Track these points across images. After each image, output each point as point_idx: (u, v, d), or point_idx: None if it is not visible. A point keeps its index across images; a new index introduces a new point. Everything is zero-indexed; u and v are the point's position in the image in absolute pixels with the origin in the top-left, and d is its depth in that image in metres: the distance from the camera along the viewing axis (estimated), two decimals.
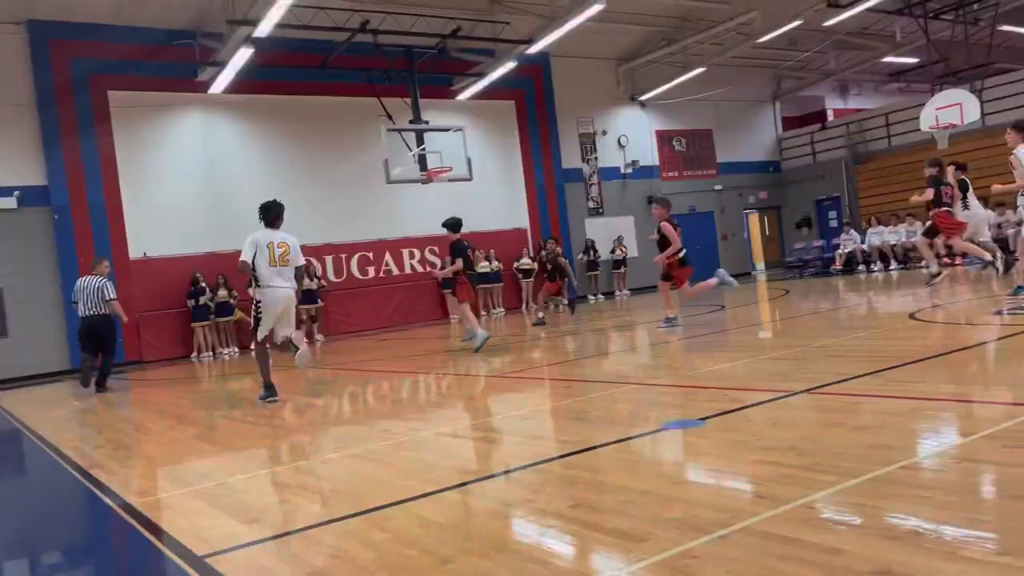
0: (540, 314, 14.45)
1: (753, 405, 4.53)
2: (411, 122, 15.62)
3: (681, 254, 9.87)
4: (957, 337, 6.57)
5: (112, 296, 10.82)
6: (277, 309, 7.42)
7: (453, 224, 10.56)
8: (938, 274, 11.15)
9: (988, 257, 10.11)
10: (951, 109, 17.43)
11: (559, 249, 15.43)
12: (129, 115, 16.10)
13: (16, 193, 14.93)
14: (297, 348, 7.46)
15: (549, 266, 14.84)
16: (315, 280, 16.92)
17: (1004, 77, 20.31)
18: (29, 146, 15.18)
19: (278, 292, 7.39)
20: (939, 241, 11.46)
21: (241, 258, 7.32)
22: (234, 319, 15.87)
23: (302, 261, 7.69)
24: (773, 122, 26.36)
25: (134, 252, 15.96)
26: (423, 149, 15.29)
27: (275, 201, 7.76)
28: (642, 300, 18.88)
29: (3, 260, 14.78)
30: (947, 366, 5.12)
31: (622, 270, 21.55)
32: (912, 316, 8.08)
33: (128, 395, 10.31)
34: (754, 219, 26.07)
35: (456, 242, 10.38)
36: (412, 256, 19.06)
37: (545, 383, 6.83)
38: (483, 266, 18.68)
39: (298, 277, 7.72)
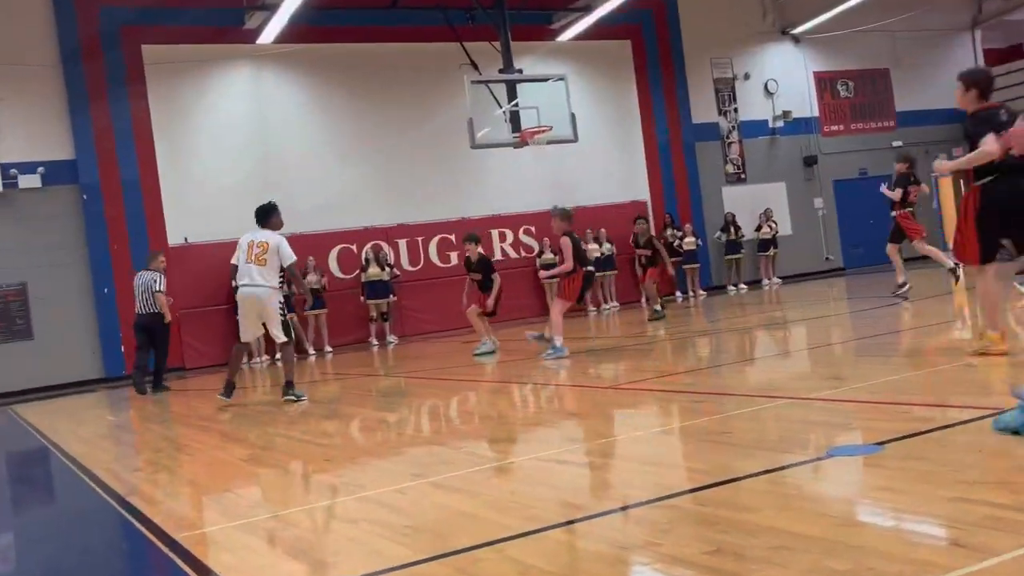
0: (657, 306, 14.42)
1: (948, 426, 4.36)
2: (501, 71, 15.69)
3: (580, 270, 10.24)
4: None
5: (160, 288, 12.28)
6: (245, 307, 9.09)
7: (566, 214, 10.70)
8: (904, 284, 12.12)
9: (950, 264, 11.24)
10: None
11: (648, 227, 15.28)
12: (166, 73, 16.86)
13: (40, 170, 15.87)
14: (298, 397, 9.03)
15: (648, 250, 14.85)
16: (387, 269, 17.30)
17: None
18: (54, 114, 16.12)
19: (243, 290, 9.01)
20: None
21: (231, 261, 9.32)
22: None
23: (290, 259, 9.02)
24: (972, 56, 25.13)
25: (173, 237, 16.73)
26: (516, 105, 15.34)
27: (268, 203, 9.55)
28: (797, 290, 18.41)
29: (25, 249, 15.73)
30: None
31: (771, 252, 21.14)
32: None
33: (168, 408, 10.82)
34: (946, 183, 24.97)
35: (568, 235, 10.52)
36: (503, 238, 19.21)
37: (671, 397, 6.76)
38: (591, 249, 18.61)
39: (291, 278, 9.35)
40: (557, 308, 10.48)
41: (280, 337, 9.16)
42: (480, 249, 12.00)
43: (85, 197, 16.18)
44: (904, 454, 4.00)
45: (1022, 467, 3.59)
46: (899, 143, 23.54)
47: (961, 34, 24.93)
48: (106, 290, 16.06)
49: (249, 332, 9.36)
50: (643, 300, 19.56)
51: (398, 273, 17.69)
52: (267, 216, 9.34)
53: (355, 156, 18.22)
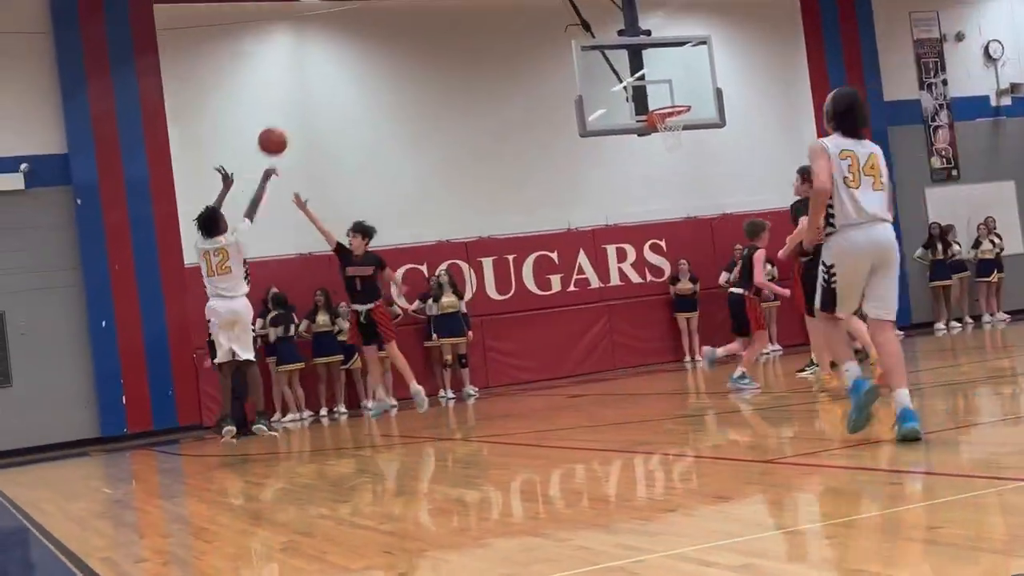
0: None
1: None
2: (621, 33, 15.72)
3: None
4: None
5: None
6: (219, 324, 10.77)
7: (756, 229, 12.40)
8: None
9: None
10: None
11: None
12: (184, 42, 17.43)
13: (23, 167, 16.51)
14: (263, 428, 10.79)
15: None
16: (456, 296, 17.26)
17: None
18: (41, 96, 16.78)
19: (216, 305, 10.64)
20: None
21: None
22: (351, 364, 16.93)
23: (246, 253, 11.03)
24: None
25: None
26: (642, 78, 15.34)
27: (206, 208, 11.08)
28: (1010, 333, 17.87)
29: (2, 269, 16.30)
30: None
31: (993, 277, 20.57)
32: None
33: (181, 479, 11.07)
34: None
35: (751, 249, 12.21)
36: (622, 256, 19.21)
37: (856, 475, 6.61)
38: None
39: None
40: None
41: (249, 355, 10.92)
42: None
43: (79, 201, 16.72)
44: None
45: None
46: None
47: None
48: (104, 323, 16.56)
49: (221, 352, 10.99)
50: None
51: (466, 313, 17.58)
52: (215, 225, 11.14)
53: (425, 148, 18.45)
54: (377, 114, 18.48)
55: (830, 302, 7.31)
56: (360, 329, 12.61)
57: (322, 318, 16.76)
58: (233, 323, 10.98)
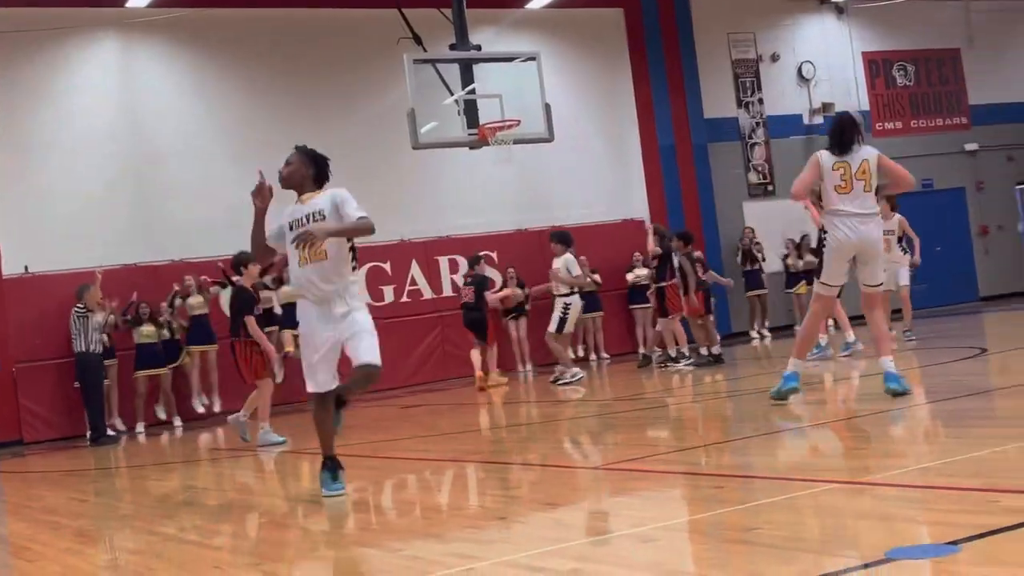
0: (684, 348, 15.18)
1: None
2: (452, 47, 15.77)
3: None
4: None
5: None
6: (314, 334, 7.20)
7: (560, 237, 12.84)
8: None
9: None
10: None
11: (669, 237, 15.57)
12: (5, 48, 16.76)
13: None
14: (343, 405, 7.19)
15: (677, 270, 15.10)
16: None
17: None
18: None
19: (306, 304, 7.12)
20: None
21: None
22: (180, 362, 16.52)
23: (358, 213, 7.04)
24: None
25: (9, 266, 16.53)
26: (472, 92, 15.42)
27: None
28: (840, 338, 18.50)
29: None
30: None
31: (801, 289, 21.11)
32: None
33: (1, 497, 10.62)
34: None
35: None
36: (455, 267, 19.24)
37: (681, 480, 6.74)
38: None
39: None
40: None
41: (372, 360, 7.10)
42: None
43: None
44: (987, 556, 4.01)
45: None
46: (975, 146, 23.97)
47: None
48: None
49: (309, 373, 7.30)
50: (642, 347, 19.66)
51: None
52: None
53: (256, 160, 17.87)
54: (207, 127, 18.14)
55: (820, 267, 9.01)
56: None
57: (147, 328, 16.31)
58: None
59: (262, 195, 7.42)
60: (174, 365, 16.62)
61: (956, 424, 7.68)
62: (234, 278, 11.77)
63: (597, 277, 19.41)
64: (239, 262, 11.54)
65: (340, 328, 6.97)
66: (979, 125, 24.18)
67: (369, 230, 7.05)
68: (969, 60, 24.31)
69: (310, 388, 7.16)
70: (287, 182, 7.41)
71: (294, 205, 7.32)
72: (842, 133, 8.77)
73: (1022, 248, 24.61)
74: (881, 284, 9.08)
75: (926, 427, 7.85)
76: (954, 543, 4.15)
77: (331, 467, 7.27)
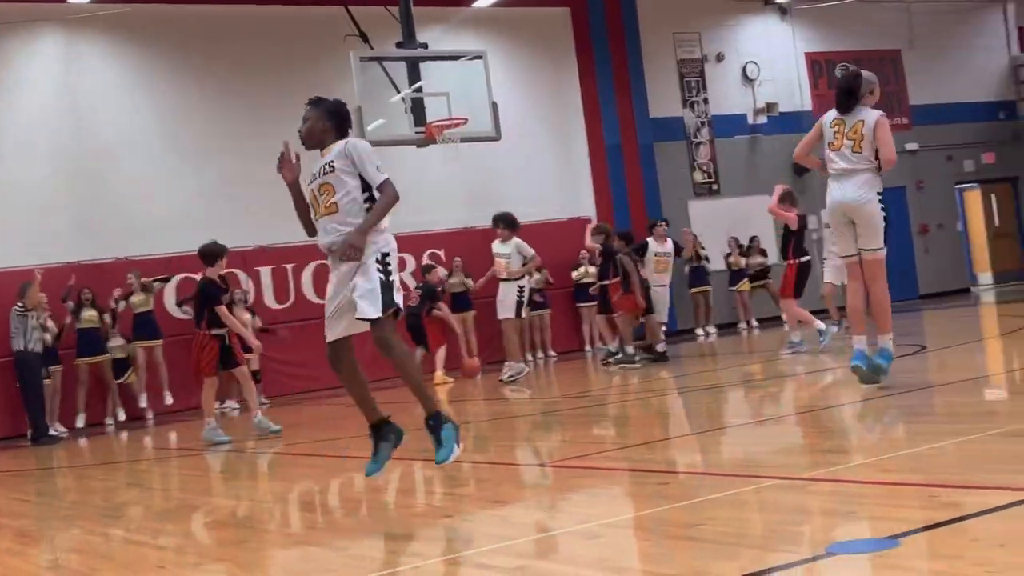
0: (629, 348, 15.03)
1: (980, 513, 4.45)
2: (399, 45, 15.73)
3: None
4: None
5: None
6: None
7: (509, 220, 12.69)
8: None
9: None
10: None
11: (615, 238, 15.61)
12: None
13: None
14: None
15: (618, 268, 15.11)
16: (249, 309, 16.81)
17: None
18: None
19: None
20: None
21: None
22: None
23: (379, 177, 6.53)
24: (1004, 36, 26.10)
25: None
26: (419, 90, 15.40)
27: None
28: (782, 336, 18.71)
29: None
30: None
31: (744, 286, 21.24)
32: None
33: None
34: (974, 199, 25.78)
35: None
36: (402, 266, 19.15)
37: (627, 477, 6.78)
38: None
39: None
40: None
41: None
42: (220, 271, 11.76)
43: None
44: (927, 550, 4.08)
45: None
46: (915, 146, 24.26)
47: (990, 8, 25.90)
48: None
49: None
50: (588, 345, 19.74)
51: (267, 327, 17.11)
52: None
53: (203, 156, 18.01)
54: (152, 123, 17.91)
55: None
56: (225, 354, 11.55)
57: (88, 313, 16.22)
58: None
59: (287, 167, 6.97)
60: (120, 382, 16.48)
61: (896, 420, 7.77)
62: (206, 272, 11.56)
63: (548, 276, 19.48)
64: (210, 254, 11.44)
65: (349, 286, 6.49)
66: (919, 125, 24.47)
67: (394, 199, 6.48)
68: (910, 61, 24.60)
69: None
70: (307, 141, 6.85)
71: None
72: (840, 92, 8.87)
73: (961, 247, 25.00)
74: (879, 249, 8.97)
75: (868, 423, 7.95)
76: (894, 537, 4.20)
77: (373, 439, 6.71)
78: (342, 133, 6.71)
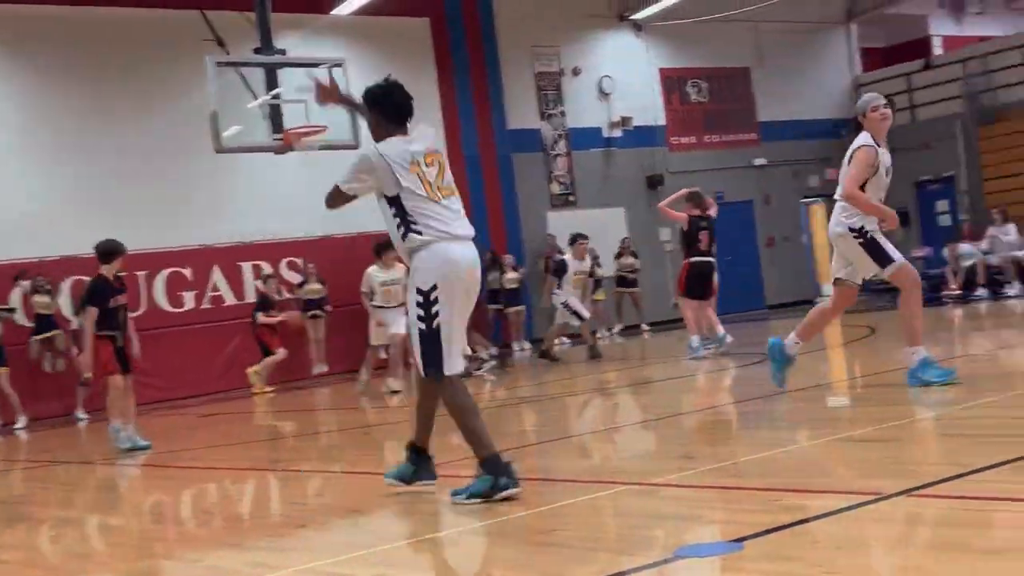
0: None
1: (821, 516, 4.60)
2: (256, 51, 15.53)
3: None
4: None
5: None
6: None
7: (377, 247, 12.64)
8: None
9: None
10: None
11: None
12: None
13: None
14: None
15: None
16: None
17: None
18: None
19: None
20: None
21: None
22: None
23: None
24: (847, 57, 27.00)
25: None
26: (277, 96, 15.23)
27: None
28: (638, 345, 19.00)
29: None
30: None
31: (600, 295, 21.49)
32: None
33: None
34: (818, 213, 26.51)
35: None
36: (258, 273, 18.90)
37: None
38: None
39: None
40: None
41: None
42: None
43: None
44: (770, 552, 4.18)
45: (906, 567, 3.84)
46: (763, 161, 24.92)
47: (834, 29, 26.76)
48: None
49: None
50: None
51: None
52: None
53: (50, 160, 17.48)
54: (7, 122, 17.35)
55: None
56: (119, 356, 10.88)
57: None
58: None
59: (325, 94, 6.50)
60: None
61: (743, 427, 7.96)
62: (100, 270, 10.98)
63: None
64: (105, 251, 10.86)
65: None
66: (767, 141, 25.10)
67: (326, 200, 6.21)
68: (758, 79, 25.22)
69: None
70: (375, 138, 6.32)
71: None
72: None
73: (805, 259, 25.70)
74: (884, 270, 8.06)
75: (717, 430, 8.11)
76: (739, 540, 4.30)
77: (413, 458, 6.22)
78: (398, 117, 6.36)
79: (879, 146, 8.00)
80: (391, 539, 5.50)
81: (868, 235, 7.96)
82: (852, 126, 8.21)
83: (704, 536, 4.61)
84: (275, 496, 7.60)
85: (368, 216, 18.06)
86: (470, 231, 5.93)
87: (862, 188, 7.95)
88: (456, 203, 5.95)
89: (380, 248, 13.67)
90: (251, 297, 18.45)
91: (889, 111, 8.05)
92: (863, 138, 8.02)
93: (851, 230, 7.99)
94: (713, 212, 14.23)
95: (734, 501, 5.20)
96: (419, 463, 6.23)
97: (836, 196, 8.15)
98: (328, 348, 18.57)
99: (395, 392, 13.35)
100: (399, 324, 12.83)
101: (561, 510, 5.47)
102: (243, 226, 18.79)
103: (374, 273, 13.81)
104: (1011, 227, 19.89)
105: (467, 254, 5.85)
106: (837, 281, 8.30)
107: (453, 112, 21.29)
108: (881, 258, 8.00)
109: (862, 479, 4.93)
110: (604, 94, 23.23)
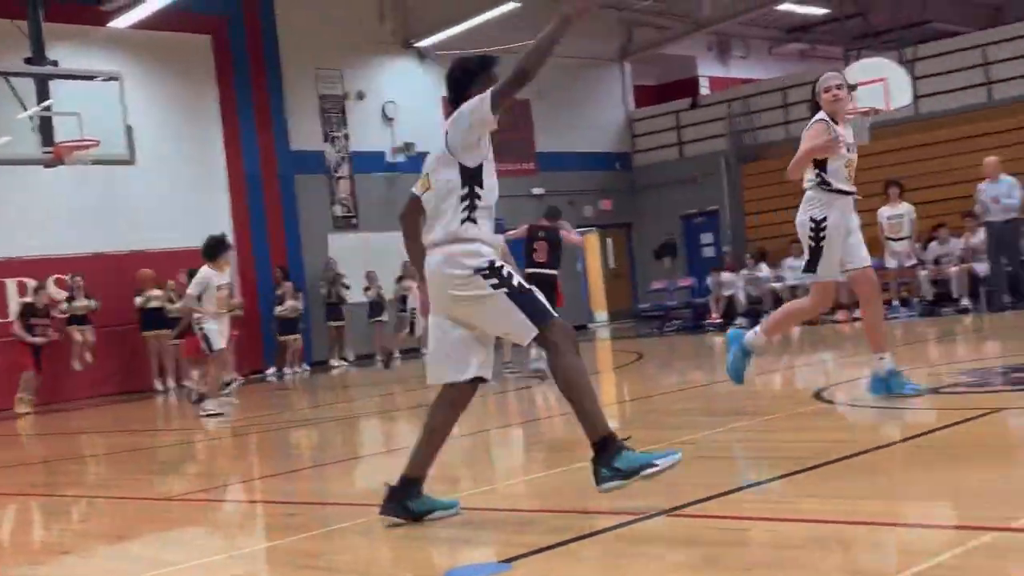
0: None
1: (590, 535, 4.70)
2: (27, 61, 15.01)
3: None
4: (886, 427, 7.22)
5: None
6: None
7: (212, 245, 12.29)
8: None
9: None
10: (873, 87, 19.41)
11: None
12: None
13: None
14: None
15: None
16: None
17: (944, 43, 22.86)
18: None
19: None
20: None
21: None
22: None
23: None
24: (621, 93, 27.87)
25: None
26: (48, 108, 14.72)
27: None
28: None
29: None
30: (870, 470, 5.59)
31: (383, 318, 21.47)
32: (818, 395, 8.77)
33: None
34: (592, 243, 27.22)
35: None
36: (23, 290, 18.10)
37: (257, 509, 6.72)
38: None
39: None
40: None
41: None
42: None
43: None
44: (534, 572, 4.26)
45: None
46: (541, 190, 25.42)
47: (609, 66, 27.60)
48: None
49: None
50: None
51: None
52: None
53: None
54: None
55: None
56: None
57: None
58: None
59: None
60: None
61: (517, 449, 8.07)
62: None
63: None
64: None
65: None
66: (545, 171, 25.64)
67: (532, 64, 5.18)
68: (538, 111, 25.66)
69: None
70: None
71: None
72: None
73: (580, 286, 26.31)
74: (805, 275, 7.97)
75: (491, 452, 8.21)
76: (507, 561, 4.37)
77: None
78: (482, 81, 5.66)
79: (836, 124, 7.71)
80: (156, 565, 5.35)
81: (822, 236, 7.65)
82: (810, 108, 7.90)
83: (475, 557, 4.66)
84: (37, 522, 7.31)
85: (142, 233, 17.56)
86: None
87: (824, 169, 7.69)
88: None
89: (215, 249, 12.97)
90: (14, 316, 17.64)
91: (842, 92, 7.74)
92: (817, 115, 7.74)
93: (812, 219, 7.71)
94: (570, 235, 14.33)
95: (504, 522, 5.27)
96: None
97: (808, 183, 7.81)
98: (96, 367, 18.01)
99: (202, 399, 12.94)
100: (225, 335, 12.94)
101: (335, 533, 5.44)
102: (8, 241, 17.98)
103: (213, 276, 12.77)
104: (763, 265, 20.95)
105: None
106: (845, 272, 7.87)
107: (234, 129, 20.97)
108: (813, 264, 7.74)
109: (625, 499, 5.07)
110: (388, 119, 23.29)
